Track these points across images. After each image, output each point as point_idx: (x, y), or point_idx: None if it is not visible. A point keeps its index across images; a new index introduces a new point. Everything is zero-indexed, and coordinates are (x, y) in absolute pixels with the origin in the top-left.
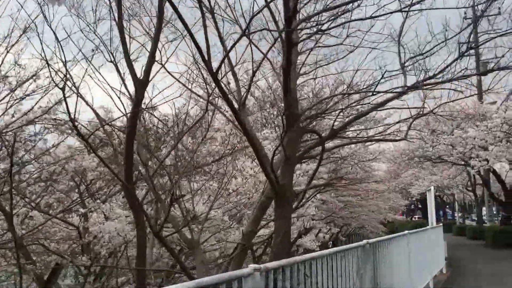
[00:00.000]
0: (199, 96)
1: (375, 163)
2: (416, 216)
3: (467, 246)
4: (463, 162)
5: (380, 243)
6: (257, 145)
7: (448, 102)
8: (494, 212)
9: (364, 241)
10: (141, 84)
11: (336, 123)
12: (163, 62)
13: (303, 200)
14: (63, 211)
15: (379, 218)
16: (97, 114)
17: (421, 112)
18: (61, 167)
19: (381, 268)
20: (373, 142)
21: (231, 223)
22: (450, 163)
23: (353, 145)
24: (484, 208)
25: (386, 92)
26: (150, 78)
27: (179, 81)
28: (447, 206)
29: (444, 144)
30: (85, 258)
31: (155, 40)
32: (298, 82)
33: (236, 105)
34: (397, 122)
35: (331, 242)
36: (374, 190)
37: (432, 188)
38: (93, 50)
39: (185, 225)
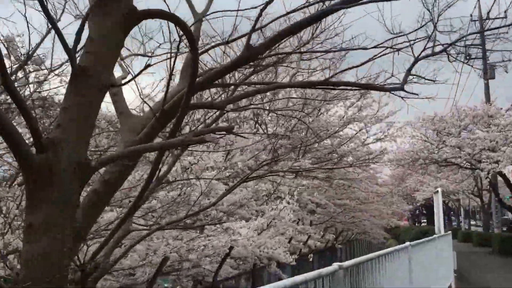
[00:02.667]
0: None
1: (378, 165)
2: (422, 220)
3: (474, 253)
4: (470, 165)
5: (364, 266)
6: None
7: (469, 34)
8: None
9: (335, 266)
10: None
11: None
12: None
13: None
14: None
15: (382, 223)
16: None
17: (429, 48)
18: None
19: None
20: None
21: None
22: (457, 166)
23: (352, 144)
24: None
25: None
26: None
27: None
28: (452, 212)
29: (451, 146)
30: None
31: None
32: None
33: None
34: (379, 47)
35: (311, 255)
36: (375, 193)
37: (439, 190)
38: None
39: None
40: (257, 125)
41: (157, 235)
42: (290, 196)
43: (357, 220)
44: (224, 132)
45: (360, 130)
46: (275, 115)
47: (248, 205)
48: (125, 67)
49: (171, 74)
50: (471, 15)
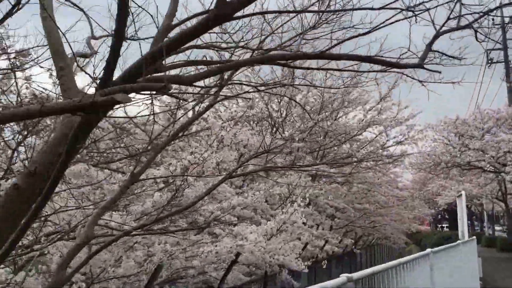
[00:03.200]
0: None
1: (399, 169)
2: (443, 225)
3: (499, 259)
4: (494, 169)
5: (378, 277)
6: None
7: (504, 6)
8: None
9: (343, 277)
10: None
11: None
12: None
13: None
14: None
15: (402, 228)
16: None
17: (452, 19)
18: None
19: None
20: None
21: None
22: (480, 170)
23: (371, 148)
24: None
25: None
26: None
27: None
28: (474, 217)
29: (475, 149)
30: None
31: None
32: None
33: None
34: (390, 7)
35: (325, 262)
36: (395, 197)
37: (463, 193)
38: None
39: None
40: (274, 128)
41: (158, 241)
42: (301, 199)
43: (377, 224)
44: (154, 92)
45: (379, 134)
46: (292, 118)
47: (263, 209)
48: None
49: (116, 34)
50: (493, 19)
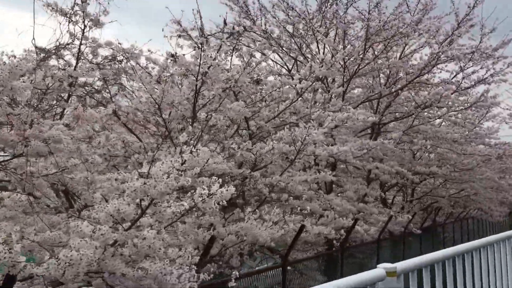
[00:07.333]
0: None
1: (493, 123)
2: None
3: None
4: None
5: None
6: None
7: None
8: None
9: None
10: None
11: None
12: None
13: None
14: None
15: (498, 197)
16: None
17: None
18: None
19: None
20: None
21: None
22: None
23: (441, 88)
24: None
25: None
26: None
27: None
28: None
29: None
30: None
31: None
32: None
33: None
34: None
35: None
36: (479, 155)
37: None
38: None
39: None
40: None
41: None
42: (184, 145)
43: (465, 193)
44: None
45: (457, 74)
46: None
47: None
48: None
49: None
50: None
